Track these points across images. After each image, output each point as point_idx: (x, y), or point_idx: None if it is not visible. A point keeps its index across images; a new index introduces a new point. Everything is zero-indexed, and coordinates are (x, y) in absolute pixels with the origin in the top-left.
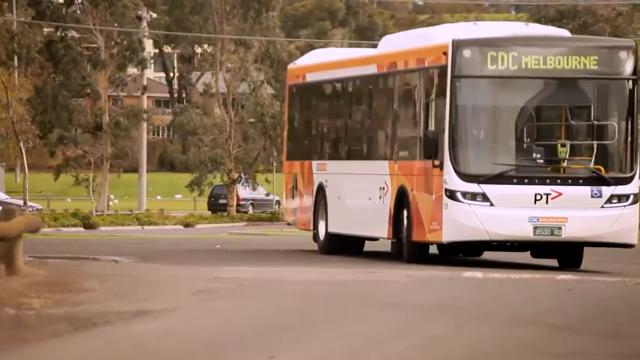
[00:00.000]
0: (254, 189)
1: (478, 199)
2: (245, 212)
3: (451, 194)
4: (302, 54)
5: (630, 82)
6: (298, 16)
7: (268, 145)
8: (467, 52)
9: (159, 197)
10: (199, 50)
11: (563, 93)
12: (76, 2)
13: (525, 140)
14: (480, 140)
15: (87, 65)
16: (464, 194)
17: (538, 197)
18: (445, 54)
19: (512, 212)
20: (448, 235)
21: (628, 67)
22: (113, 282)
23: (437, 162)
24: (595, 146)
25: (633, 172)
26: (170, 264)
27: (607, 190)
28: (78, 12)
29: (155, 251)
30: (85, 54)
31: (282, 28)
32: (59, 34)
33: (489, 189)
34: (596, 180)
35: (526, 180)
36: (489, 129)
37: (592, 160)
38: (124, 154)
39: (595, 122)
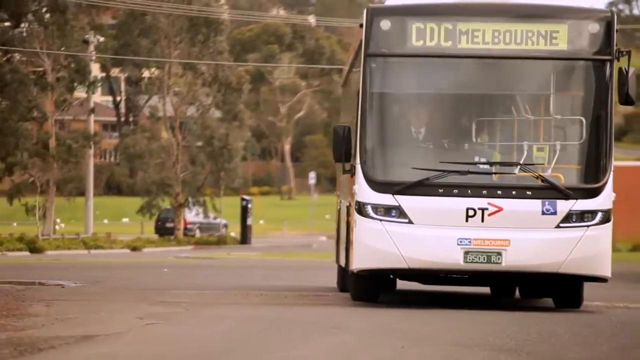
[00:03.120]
0: (205, 214)
1: (393, 215)
2: (193, 236)
3: (360, 208)
4: (251, 77)
5: (605, 64)
6: (245, 40)
7: (215, 169)
8: (385, 24)
9: (105, 221)
10: (146, 74)
11: (511, 78)
12: (23, 24)
13: (457, 138)
14: (398, 137)
15: (34, 89)
16: (375, 208)
17: (471, 212)
18: (362, 26)
19: (436, 232)
20: (357, 261)
21: (601, 44)
22: (58, 307)
23: (347, 167)
24: (553, 148)
25: (602, 182)
26: (116, 288)
27: (564, 205)
28: (26, 35)
29: (101, 275)
30: (31, 78)
31: (230, 52)
32: (4, 58)
33: (406, 201)
34: (550, 191)
35: (456, 191)
36: (411, 124)
37: (551, 167)
38: (72, 178)
39: (556, 117)
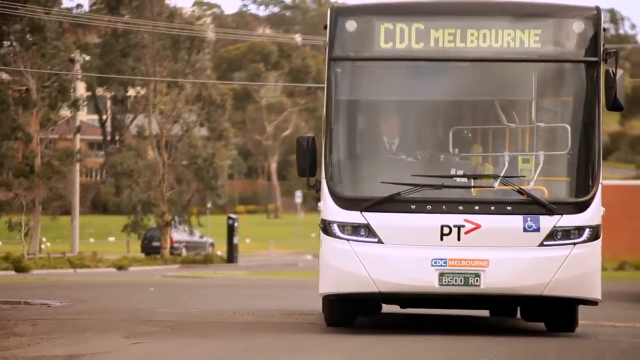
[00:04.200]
0: (190, 232)
1: (361, 234)
2: (179, 255)
3: (325, 227)
4: (237, 96)
5: (591, 66)
6: (232, 59)
7: (201, 187)
8: (350, 25)
9: (92, 240)
10: (131, 92)
11: (490, 83)
12: (5, 44)
13: (431, 149)
14: (366, 149)
15: (19, 108)
16: (342, 227)
17: (446, 230)
18: (326, 28)
19: (408, 252)
20: (324, 285)
21: (587, 45)
22: (44, 326)
23: (312, 182)
24: (537, 158)
25: (589, 195)
26: (102, 307)
27: (548, 222)
28: (10, 55)
29: (87, 294)
30: (16, 97)
31: (217, 70)
32: None
33: (375, 218)
34: (532, 206)
35: (429, 207)
36: (380, 134)
37: (533, 179)
38: (58, 197)
39: (538, 124)
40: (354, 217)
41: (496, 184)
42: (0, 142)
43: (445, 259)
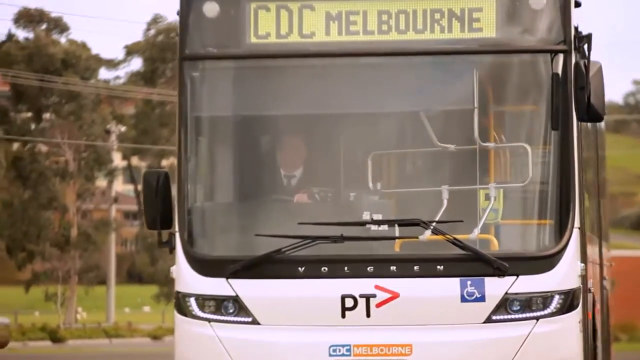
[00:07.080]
0: None
1: (228, 311)
2: None
3: (179, 303)
4: None
5: (556, 58)
6: None
7: None
8: (210, 8)
9: (127, 310)
10: (165, 162)
11: (413, 87)
12: (44, 117)
13: (326, 185)
14: (238, 188)
15: (56, 180)
16: (202, 302)
17: (349, 303)
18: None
19: (296, 337)
20: None
21: (550, 28)
22: None
23: (166, 237)
24: (483, 193)
25: (559, 247)
26: None
27: (498, 286)
28: (48, 127)
29: None
30: (53, 168)
31: None
32: (26, 149)
33: (247, 289)
34: (474, 264)
35: (325, 269)
36: (258, 165)
37: (478, 225)
38: (93, 267)
39: (484, 145)
40: (218, 287)
41: (425, 235)
42: (37, 213)
43: (349, 345)
